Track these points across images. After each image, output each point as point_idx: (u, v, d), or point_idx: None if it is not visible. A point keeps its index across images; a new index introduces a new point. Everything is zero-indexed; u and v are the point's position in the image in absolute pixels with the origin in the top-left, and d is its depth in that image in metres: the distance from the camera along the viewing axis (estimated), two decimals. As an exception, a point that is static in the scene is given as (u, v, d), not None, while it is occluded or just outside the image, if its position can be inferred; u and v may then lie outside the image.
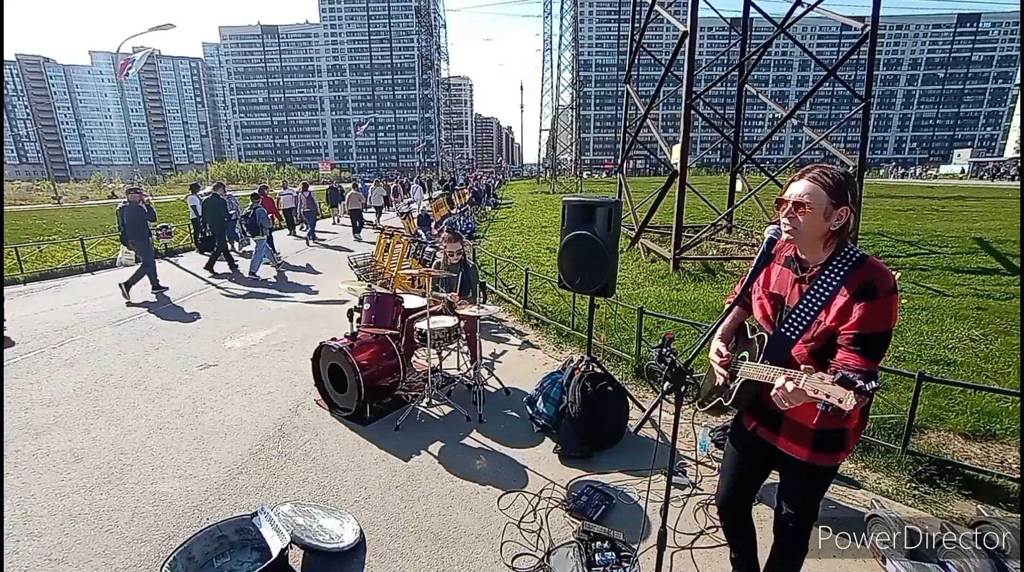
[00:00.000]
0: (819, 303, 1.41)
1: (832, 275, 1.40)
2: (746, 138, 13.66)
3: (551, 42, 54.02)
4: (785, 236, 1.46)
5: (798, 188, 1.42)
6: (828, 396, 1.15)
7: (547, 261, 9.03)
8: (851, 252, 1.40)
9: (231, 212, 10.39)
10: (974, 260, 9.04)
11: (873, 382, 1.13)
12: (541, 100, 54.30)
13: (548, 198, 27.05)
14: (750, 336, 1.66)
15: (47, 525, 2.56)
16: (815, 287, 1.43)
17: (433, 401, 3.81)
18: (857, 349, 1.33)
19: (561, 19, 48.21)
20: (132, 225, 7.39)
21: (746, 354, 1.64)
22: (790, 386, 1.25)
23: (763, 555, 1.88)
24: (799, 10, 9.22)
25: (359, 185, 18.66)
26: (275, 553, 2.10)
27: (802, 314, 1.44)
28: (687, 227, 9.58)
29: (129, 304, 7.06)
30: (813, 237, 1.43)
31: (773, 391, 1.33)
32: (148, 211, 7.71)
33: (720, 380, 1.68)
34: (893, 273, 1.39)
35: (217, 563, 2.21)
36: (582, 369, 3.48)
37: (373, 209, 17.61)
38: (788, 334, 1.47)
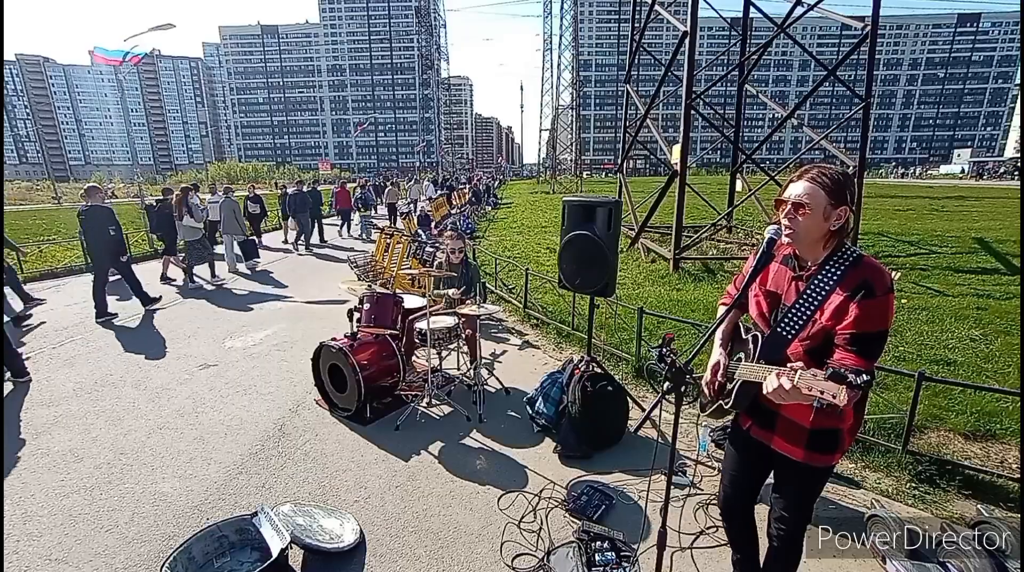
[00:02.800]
0: (815, 302, 1.41)
1: (829, 274, 1.40)
2: (746, 138, 13.62)
3: (551, 42, 54.13)
4: (785, 238, 1.45)
5: (797, 189, 1.42)
6: (822, 393, 1.15)
7: (547, 261, 9.02)
8: (848, 252, 1.40)
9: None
10: (974, 260, 9.03)
11: (864, 376, 1.12)
12: (541, 100, 54.37)
13: (548, 198, 27.02)
14: (744, 336, 1.65)
15: (47, 525, 2.56)
16: (812, 286, 1.42)
17: (433, 401, 3.81)
18: (854, 348, 1.33)
19: (561, 19, 48.35)
20: (300, 205, 11.56)
21: (741, 355, 1.63)
22: (787, 384, 1.25)
23: (763, 555, 1.88)
24: (799, 10, 9.22)
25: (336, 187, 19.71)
26: (275, 553, 2.10)
27: (798, 313, 1.44)
28: (687, 227, 9.58)
29: (309, 244, 11.81)
30: (812, 238, 1.42)
31: (766, 389, 1.33)
32: (308, 195, 11.96)
33: (713, 388, 1.68)
34: (890, 273, 1.39)
35: (217, 563, 2.21)
36: (582, 369, 3.48)
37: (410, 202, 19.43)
38: (784, 333, 1.47)
